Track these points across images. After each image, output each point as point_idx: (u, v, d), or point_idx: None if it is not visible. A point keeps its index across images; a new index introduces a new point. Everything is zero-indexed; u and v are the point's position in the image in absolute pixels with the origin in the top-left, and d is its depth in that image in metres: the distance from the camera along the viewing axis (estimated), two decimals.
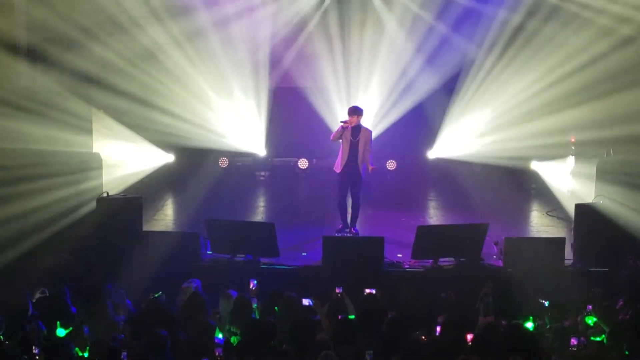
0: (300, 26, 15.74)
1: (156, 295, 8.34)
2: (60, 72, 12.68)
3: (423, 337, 7.23)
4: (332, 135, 11.43)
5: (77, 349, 7.01)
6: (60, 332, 7.65)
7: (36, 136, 11.46)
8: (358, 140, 11.16)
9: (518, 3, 14.59)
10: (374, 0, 15.54)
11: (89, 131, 12.73)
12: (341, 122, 11.23)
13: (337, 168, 11.36)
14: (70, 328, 7.64)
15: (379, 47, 15.62)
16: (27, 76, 12.30)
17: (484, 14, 14.99)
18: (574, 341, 7.22)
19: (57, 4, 12.53)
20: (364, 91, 15.70)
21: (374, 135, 11.57)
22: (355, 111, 11.22)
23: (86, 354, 7.06)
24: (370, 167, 11.25)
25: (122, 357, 6.76)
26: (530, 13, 14.39)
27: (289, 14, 15.66)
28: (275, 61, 15.89)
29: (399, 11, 15.41)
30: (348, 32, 15.70)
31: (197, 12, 14.93)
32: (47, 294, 8.59)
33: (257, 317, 8.07)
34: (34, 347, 6.94)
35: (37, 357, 6.90)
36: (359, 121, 11.20)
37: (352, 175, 11.30)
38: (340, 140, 11.26)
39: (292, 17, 15.66)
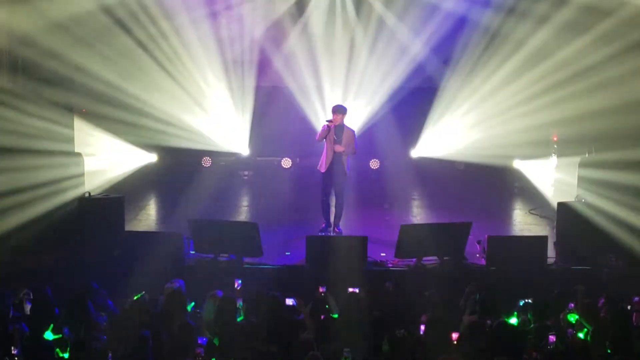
0: (284, 25, 15.71)
1: (138, 296, 8.30)
2: (41, 73, 12.58)
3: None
4: (317, 135, 11.42)
5: (57, 349, 6.96)
6: (49, 335, 7.59)
7: (17, 136, 11.36)
8: (342, 139, 11.18)
9: (499, 4, 14.64)
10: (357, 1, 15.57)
11: (70, 131, 12.63)
12: (326, 121, 11.24)
13: (322, 168, 11.35)
14: (60, 335, 7.56)
15: (362, 46, 15.62)
16: (7, 78, 12.20)
17: (466, 15, 15.02)
18: (552, 338, 7.26)
19: (36, 11, 12.43)
20: (347, 90, 15.69)
21: (357, 134, 11.60)
22: (340, 110, 11.25)
23: (66, 355, 7.01)
24: (336, 149, 11.19)
25: (107, 358, 6.75)
26: (509, 12, 14.42)
27: (272, 12, 15.64)
28: (259, 60, 15.86)
29: (382, 11, 15.42)
30: (332, 32, 15.68)
31: (179, 10, 14.87)
32: (31, 296, 8.54)
33: (242, 317, 8.05)
34: (13, 348, 6.89)
35: (15, 358, 6.85)
36: (342, 120, 11.22)
37: (337, 174, 11.30)
38: (324, 140, 11.27)
39: (276, 16, 15.64)
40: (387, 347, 7.01)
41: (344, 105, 11.61)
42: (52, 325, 7.66)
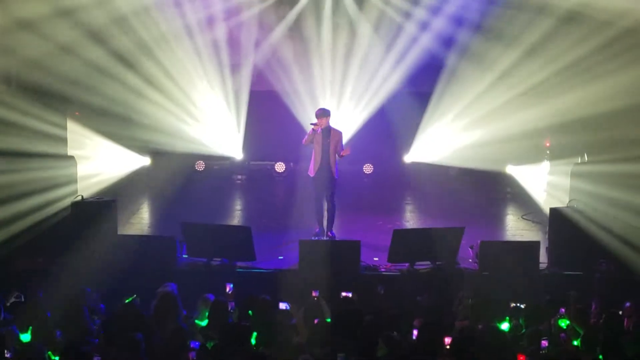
0: (278, 30, 15.74)
1: (130, 299, 8.28)
2: (35, 82, 12.56)
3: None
4: (303, 139, 11.43)
5: (49, 352, 6.94)
6: (25, 337, 7.56)
7: (10, 140, 11.34)
8: (329, 141, 11.20)
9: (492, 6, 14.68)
10: (347, 4, 15.57)
11: (63, 134, 12.62)
12: (311, 124, 11.25)
13: (311, 172, 11.37)
14: (30, 327, 7.54)
15: (354, 50, 15.65)
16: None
17: (458, 18, 15.06)
18: (544, 343, 7.27)
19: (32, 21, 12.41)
20: (340, 95, 15.72)
21: (346, 137, 11.62)
22: (324, 113, 11.28)
23: (57, 358, 6.99)
24: (342, 154, 11.24)
25: None
26: (504, 16, 14.45)
27: (267, 17, 15.65)
28: (253, 65, 15.86)
29: (375, 15, 15.44)
30: (326, 37, 15.70)
31: (175, 15, 14.88)
32: (22, 299, 8.51)
33: (234, 321, 8.04)
34: (5, 352, 6.87)
35: None
36: (327, 122, 11.24)
37: (326, 179, 11.31)
38: (312, 144, 11.28)
39: (271, 21, 15.66)
40: (382, 351, 7.01)
41: (326, 107, 11.68)
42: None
